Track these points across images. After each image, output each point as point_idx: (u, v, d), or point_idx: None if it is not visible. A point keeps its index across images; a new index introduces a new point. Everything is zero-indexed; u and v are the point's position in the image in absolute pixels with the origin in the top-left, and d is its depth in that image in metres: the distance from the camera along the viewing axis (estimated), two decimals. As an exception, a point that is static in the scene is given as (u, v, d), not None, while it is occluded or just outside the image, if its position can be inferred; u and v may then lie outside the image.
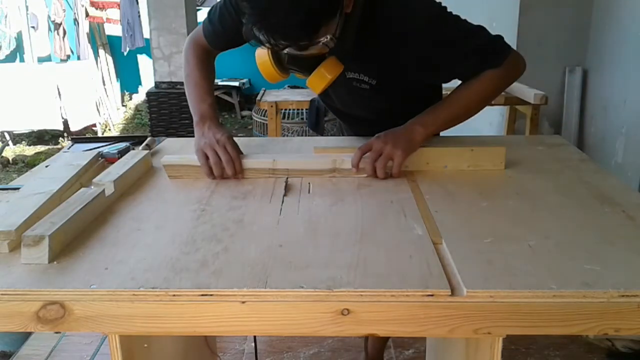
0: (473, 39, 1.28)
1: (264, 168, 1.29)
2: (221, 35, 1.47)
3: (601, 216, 1.05)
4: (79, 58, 6.90)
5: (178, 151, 1.52)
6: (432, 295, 0.80)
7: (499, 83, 1.33)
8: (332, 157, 1.29)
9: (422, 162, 1.32)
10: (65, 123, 5.96)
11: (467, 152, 1.31)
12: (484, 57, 1.29)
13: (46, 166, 1.36)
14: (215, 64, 1.56)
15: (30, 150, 5.98)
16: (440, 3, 1.30)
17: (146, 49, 6.37)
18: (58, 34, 6.90)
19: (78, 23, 6.83)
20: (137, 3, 6.50)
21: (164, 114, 4.35)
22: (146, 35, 5.90)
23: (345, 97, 1.52)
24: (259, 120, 5.12)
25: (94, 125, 6.31)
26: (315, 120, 3.76)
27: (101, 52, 7.26)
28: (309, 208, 1.12)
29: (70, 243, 0.96)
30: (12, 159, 5.54)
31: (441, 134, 1.45)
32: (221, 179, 1.28)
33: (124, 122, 7.05)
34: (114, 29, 7.10)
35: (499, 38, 1.31)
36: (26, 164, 5.35)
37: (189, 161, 1.30)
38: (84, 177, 1.26)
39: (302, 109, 4.47)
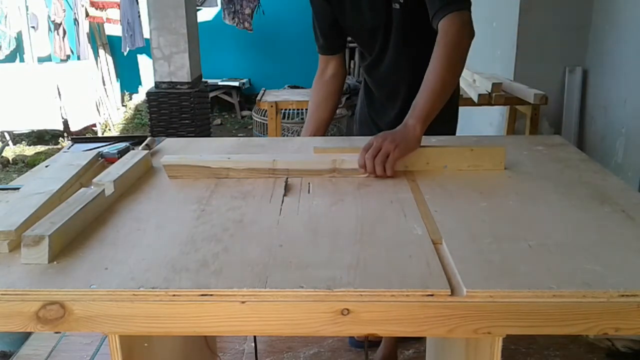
0: None
1: (264, 168, 1.29)
2: (324, 26, 1.73)
3: (601, 216, 1.05)
4: (79, 58, 6.89)
5: (178, 151, 1.52)
6: (432, 295, 0.80)
7: (451, 44, 1.42)
8: (332, 157, 1.30)
9: (422, 162, 1.32)
10: (65, 123, 5.96)
11: (467, 152, 1.32)
12: None
13: (46, 166, 1.36)
14: (330, 73, 1.83)
15: (30, 150, 5.98)
16: None
17: (146, 49, 6.36)
18: (58, 34, 6.89)
19: (78, 23, 6.82)
20: (137, 3, 6.49)
21: (164, 114, 4.33)
22: (146, 35, 5.89)
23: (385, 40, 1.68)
24: (259, 120, 5.12)
25: (94, 125, 6.31)
26: (315, 120, 3.74)
27: (101, 52, 7.25)
28: (309, 208, 1.12)
29: (70, 243, 0.96)
30: (12, 159, 5.54)
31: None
32: None
33: (124, 122, 7.05)
34: (114, 29, 7.09)
35: None
36: (26, 164, 5.35)
37: (189, 161, 1.30)
38: (84, 177, 1.26)
39: (302, 109, 4.47)
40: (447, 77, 1.42)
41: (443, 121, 1.57)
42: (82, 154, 1.41)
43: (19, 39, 6.91)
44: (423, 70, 1.44)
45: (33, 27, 6.79)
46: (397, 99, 1.77)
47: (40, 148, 6.05)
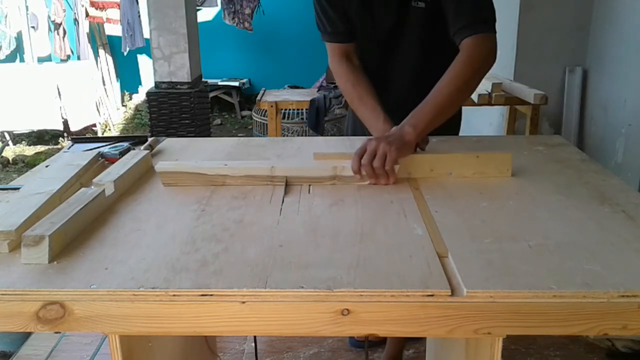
0: None
1: (261, 175, 1.25)
2: (338, 20, 1.56)
3: (601, 216, 1.05)
4: (79, 58, 6.89)
5: (178, 151, 1.52)
6: (432, 295, 0.80)
7: (475, 68, 1.38)
8: (332, 164, 1.25)
9: (426, 169, 1.28)
10: (65, 123, 5.96)
11: (472, 158, 1.27)
12: (480, 16, 1.41)
13: (46, 166, 1.36)
14: (356, 63, 1.62)
15: (30, 150, 5.98)
16: None
17: (146, 49, 6.36)
18: (58, 34, 6.89)
19: (78, 23, 6.82)
20: (137, 3, 6.49)
21: (164, 114, 4.34)
22: (146, 35, 5.89)
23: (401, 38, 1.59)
24: (259, 120, 5.12)
25: (94, 125, 6.31)
26: (315, 120, 3.76)
27: (101, 52, 7.25)
28: (309, 208, 1.12)
29: (70, 243, 0.96)
30: (12, 159, 5.53)
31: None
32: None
33: (124, 122, 7.05)
34: (114, 29, 7.08)
35: (494, 18, 1.44)
36: (26, 164, 5.35)
37: (184, 168, 1.26)
38: (84, 177, 1.26)
39: (302, 109, 4.47)
40: (459, 97, 1.38)
41: (449, 127, 1.52)
42: (82, 154, 1.41)
43: (19, 39, 6.90)
44: (434, 81, 1.37)
45: (33, 27, 6.79)
46: (400, 110, 1.61)
47: (40, 148, 6.05)
